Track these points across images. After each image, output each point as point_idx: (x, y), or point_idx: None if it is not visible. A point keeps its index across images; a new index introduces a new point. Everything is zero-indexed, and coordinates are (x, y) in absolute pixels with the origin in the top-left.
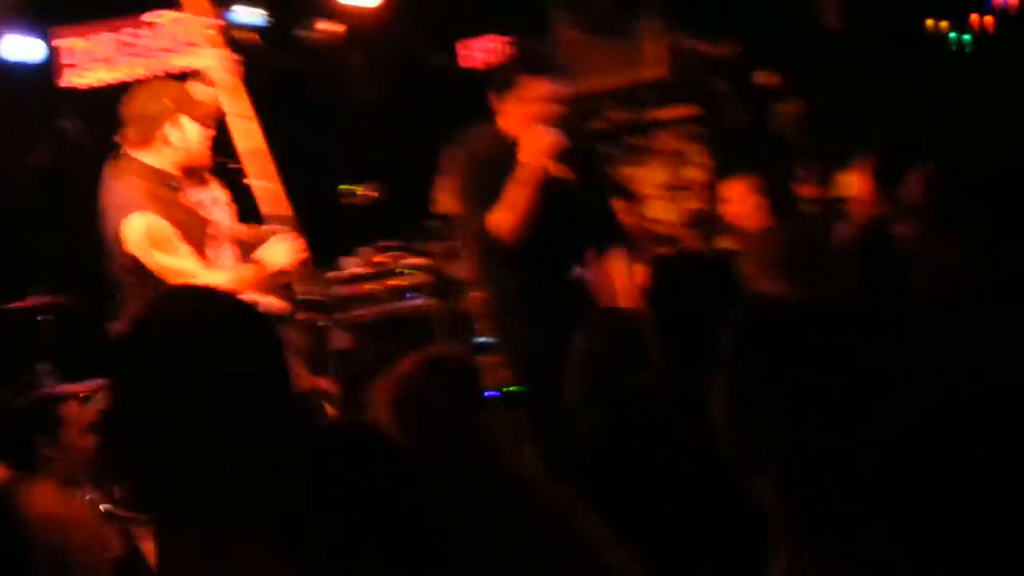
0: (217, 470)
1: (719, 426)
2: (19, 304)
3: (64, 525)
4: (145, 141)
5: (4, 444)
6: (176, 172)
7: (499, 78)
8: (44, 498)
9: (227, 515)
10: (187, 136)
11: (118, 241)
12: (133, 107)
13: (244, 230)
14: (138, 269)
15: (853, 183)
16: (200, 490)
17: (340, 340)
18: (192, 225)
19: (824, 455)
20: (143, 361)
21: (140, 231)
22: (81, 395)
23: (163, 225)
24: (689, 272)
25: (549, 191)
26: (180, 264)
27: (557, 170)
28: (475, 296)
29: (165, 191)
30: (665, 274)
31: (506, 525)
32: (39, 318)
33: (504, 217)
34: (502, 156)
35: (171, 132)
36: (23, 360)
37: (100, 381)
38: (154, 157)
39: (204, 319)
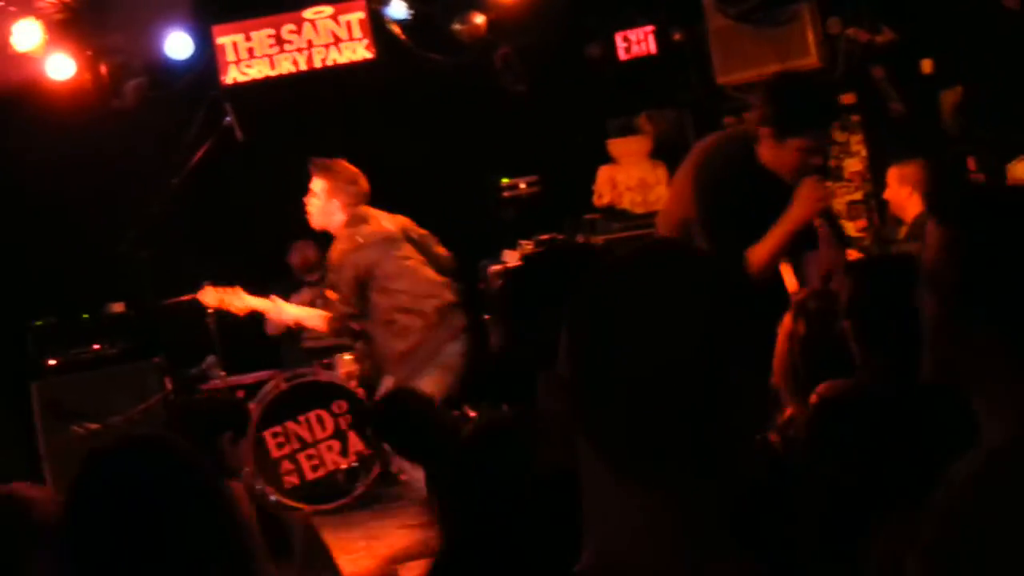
0: None
1: None
2: (189, 296)
3: None
4: None
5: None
6: None
7: (772, 120)
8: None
9: None
10: None
11: None
12: None
13: None
14: None
15: None
16: None
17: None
18: None
19: None
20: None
21: None
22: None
23: None
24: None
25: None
26: None
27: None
28: None
29: None
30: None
31: None
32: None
33: (763, 255)
34: (752, 177)
35: None
36: (191, 352)
37: (266, 373)
38: None
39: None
